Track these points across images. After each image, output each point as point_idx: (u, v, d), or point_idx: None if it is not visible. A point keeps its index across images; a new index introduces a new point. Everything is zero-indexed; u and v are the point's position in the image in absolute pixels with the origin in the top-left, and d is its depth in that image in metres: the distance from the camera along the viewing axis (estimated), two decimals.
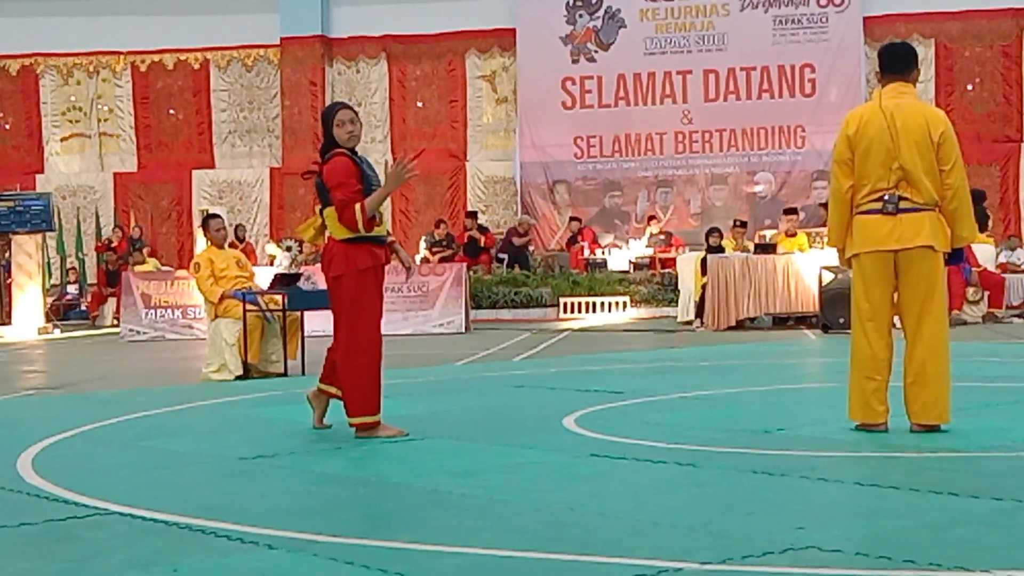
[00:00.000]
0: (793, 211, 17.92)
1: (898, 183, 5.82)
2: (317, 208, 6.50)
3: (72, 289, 22.50)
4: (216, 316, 10.51)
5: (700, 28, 21.88)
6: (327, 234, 6.39)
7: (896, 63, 6.06)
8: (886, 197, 5.83)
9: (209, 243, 10.88)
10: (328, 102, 21.58)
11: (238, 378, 10.22)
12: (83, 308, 21.45)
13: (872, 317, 5.89)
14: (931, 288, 5.84)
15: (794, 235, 16.78)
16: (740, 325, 15.15)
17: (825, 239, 12.72)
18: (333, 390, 6.43)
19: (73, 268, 22.79)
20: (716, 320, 15.11)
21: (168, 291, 16.24)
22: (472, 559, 3.65)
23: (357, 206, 6.11)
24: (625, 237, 21.69)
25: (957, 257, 6.12)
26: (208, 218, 11.17)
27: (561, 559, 3.58)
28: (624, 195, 22.33)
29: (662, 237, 20.49)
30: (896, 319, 5.99)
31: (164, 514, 4.35)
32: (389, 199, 6.34)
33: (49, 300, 20.10)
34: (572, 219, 21.50)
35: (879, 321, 5.90)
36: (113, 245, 21.35)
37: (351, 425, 6.25)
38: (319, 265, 7.23)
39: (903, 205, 5.81)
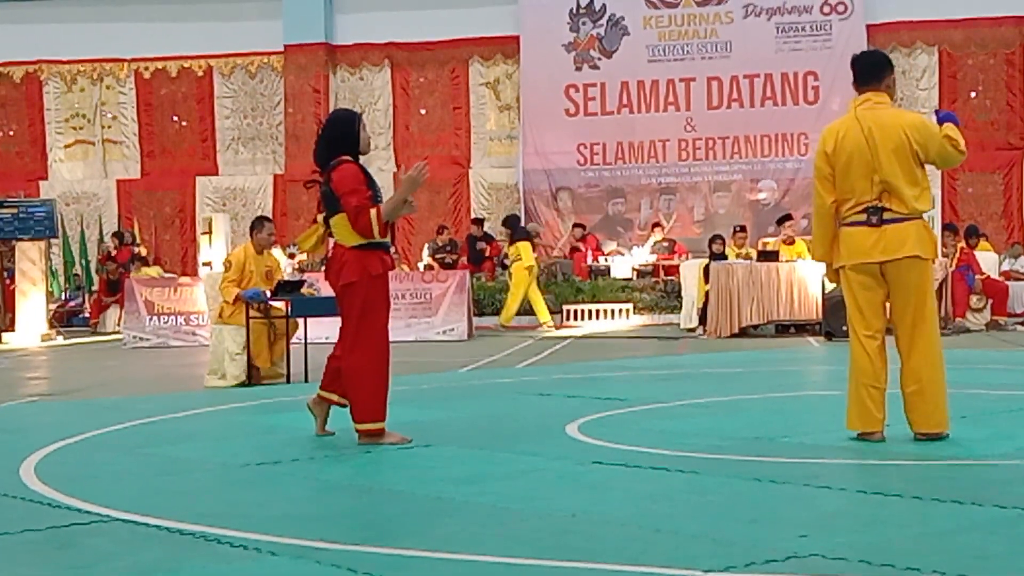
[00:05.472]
0: (788, 217, 17.88)
1: (881, 194, 5.82)
2: (319, 217, 6.47)
3: (76, 295, 22.48)
4: (219, 322, 10.50)
5: (703, 36, 21.88)
6: (330, 243, 6.37)
7: (867, 72, 6.09)
8: (870, 209, 5.83)
9: (251, 243, 10.73)
10: (332, 109, 21.59)
11: (241, 385, 10.23)
12: (86, 315, 21.44)
13: (866, 327, 5.89)
14: (922, 297, 5.84)
15: (792, 242, 16.77)
16: (743, 333, 15.14)
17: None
18: (334, 397, 6.42)
19: (76, 275, 22.79)
20: (719, 327, 15.10)
21: (171, 298, 16.24)
22: (475, 566, 3.66)
23: (373, 212, 6.10)
24: (628, 244, 21.66)
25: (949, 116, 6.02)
26: (265, 220, 10.96)
27: (564, 566, 3.58)
28: (627, 202, 22.31)
29: (665, 244, 20.49)
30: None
31: (167, 521, 4.35)
32: None
33: (52, 307, 20.10)
34: (575, 226, 21.47)
35: (873, 331, 5.89)
36: (113, 254, 21.31)
37: (357, 431, 6.25)
38: (322, 271, 7.21)
39: (887, 216, 5.82)
